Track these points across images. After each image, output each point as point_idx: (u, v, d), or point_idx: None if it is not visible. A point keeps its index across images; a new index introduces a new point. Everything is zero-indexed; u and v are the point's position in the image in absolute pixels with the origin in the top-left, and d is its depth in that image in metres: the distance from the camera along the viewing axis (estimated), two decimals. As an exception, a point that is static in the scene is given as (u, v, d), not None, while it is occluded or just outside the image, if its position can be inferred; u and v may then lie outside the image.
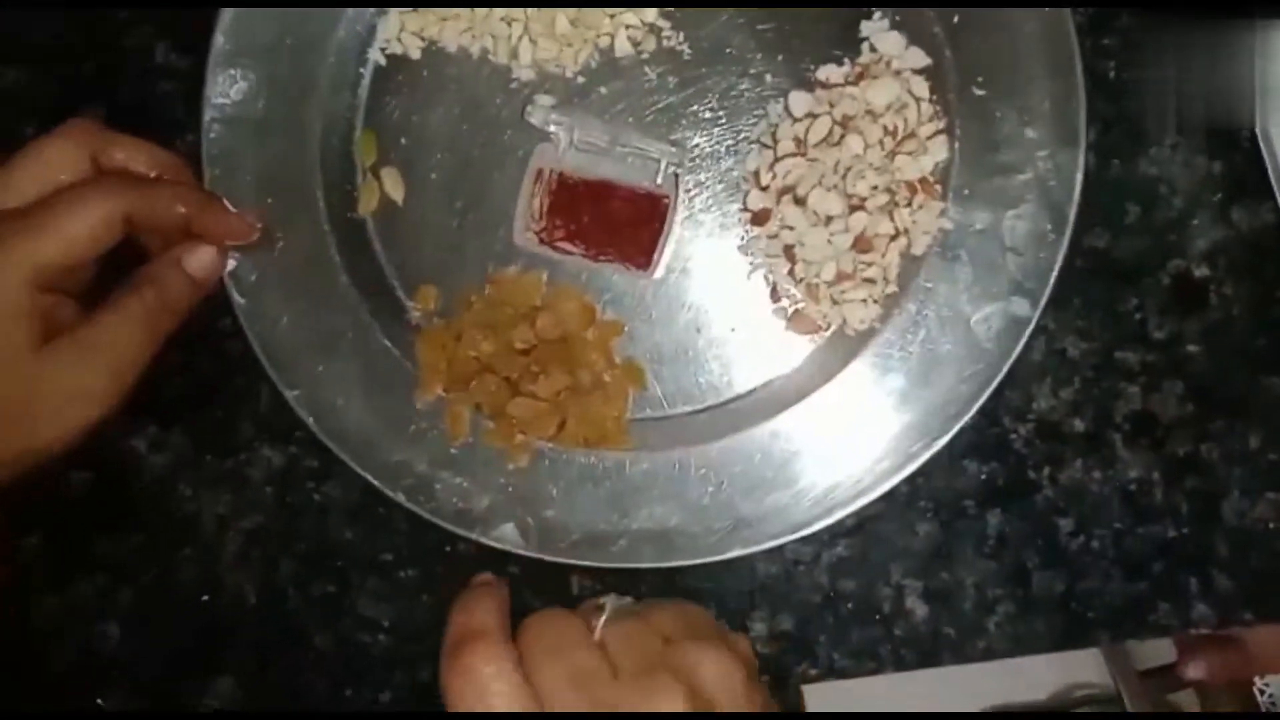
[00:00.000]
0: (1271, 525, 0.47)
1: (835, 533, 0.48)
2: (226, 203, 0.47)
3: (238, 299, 0.48)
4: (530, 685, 0.33)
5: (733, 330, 0.49)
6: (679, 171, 0.48)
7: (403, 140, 0.50)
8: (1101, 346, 0.48)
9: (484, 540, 0.47)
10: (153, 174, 0.45)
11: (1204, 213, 0.47)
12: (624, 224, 0.48)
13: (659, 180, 0.48)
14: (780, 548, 0.47)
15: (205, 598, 0.52)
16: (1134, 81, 0.48)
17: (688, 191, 0.49)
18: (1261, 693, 0.83)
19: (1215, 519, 0.47)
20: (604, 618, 0.35)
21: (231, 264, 0.48)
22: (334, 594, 0.52)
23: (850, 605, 0.49)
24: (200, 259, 0.46)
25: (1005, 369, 0.45)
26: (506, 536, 0.47)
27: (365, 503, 0.51)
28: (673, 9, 0.48)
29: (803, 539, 0.47)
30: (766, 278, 0.48)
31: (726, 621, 0.49)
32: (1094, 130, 0.46)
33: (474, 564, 0.50)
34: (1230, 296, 0.47)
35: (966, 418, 0.46)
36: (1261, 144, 0.47)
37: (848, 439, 0.46)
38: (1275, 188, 0.47)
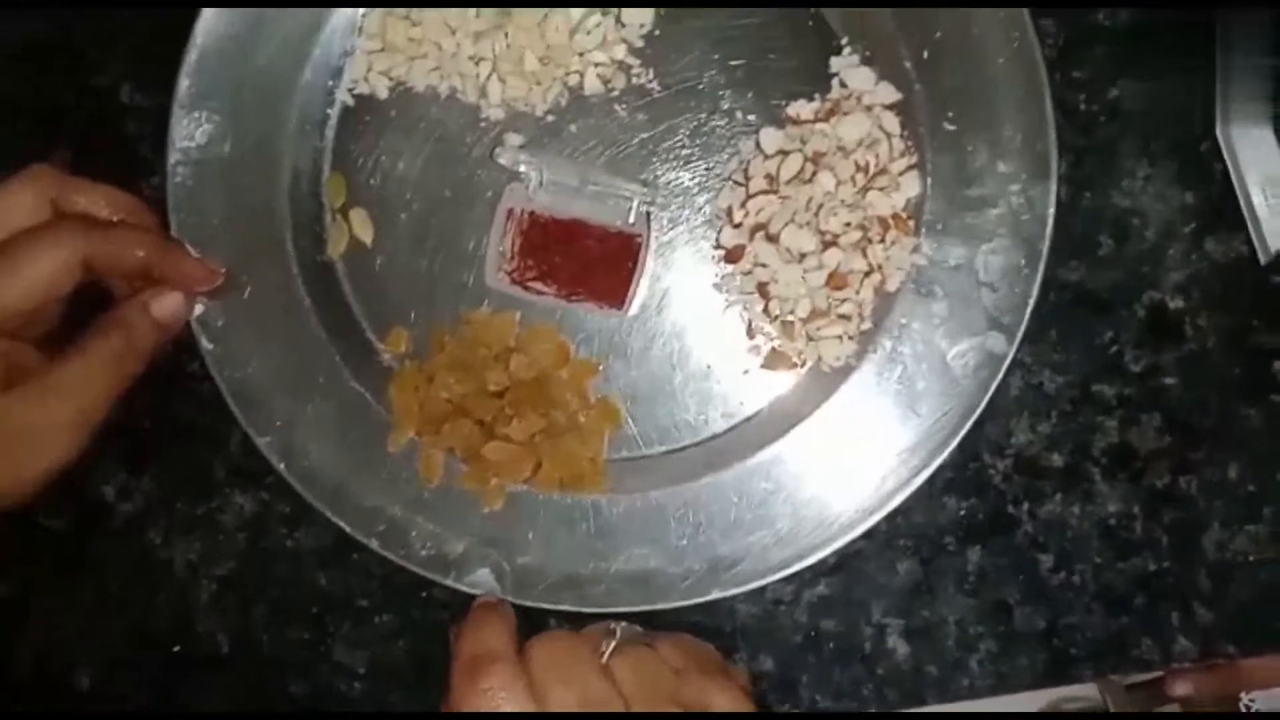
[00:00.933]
0: (1252, 558, 0.47)
1: (816, 571, 0.48)
2: (189, 247, 0.47)
3: (206, 344, 0.47)
4: (543, 710, 0.33)
5: (708, 368, 0.48)
6: (651, 210, 0.48)
7: (371, 181, 0.49)
8: (1078, 380, 0.47)
9: (459, 586, 0.47)
10: (114, 218, 0.45)
11: (1177, 244, 0.47)
12: (597, 263, 0.48)
13: (631, 219, 0.48)
14: (761, 587, 0.46)
15: (177, 648, 0.51)
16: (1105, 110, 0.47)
17: (661, 229, 0.48)
18: (1247, 709, 0.83)
19: (1196, 552, 0.47)
20: (613, 644, 0.35)
21: (199, 309, 0.47)
22: (309, 640, 0.51)
23: (832, 644, 0.49)
24: (166, 304, 0.45)
25: (983, 404, 0.45)
26: (482, 581, 0.47)
27: (339, 548, 0.50)
28: (642, 46, 0.48)
29: (784, 577, 0.46)
30: (741, 315, 0.48)
31: (708, 662, 0.49)
32: (1065, 162, 0.46)
33: (450, 608, 0.50)
34: (1206, 328, 0.47)
35: (945, 454, 0.45)
36: (1222, 146, 0.46)
37: (826, 477, 0.46)
38: (1237, 188, 0.46)
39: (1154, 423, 0.47)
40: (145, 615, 0.51)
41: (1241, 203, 0.46)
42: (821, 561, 0.46)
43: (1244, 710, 0.84)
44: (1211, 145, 0.47)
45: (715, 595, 0.46)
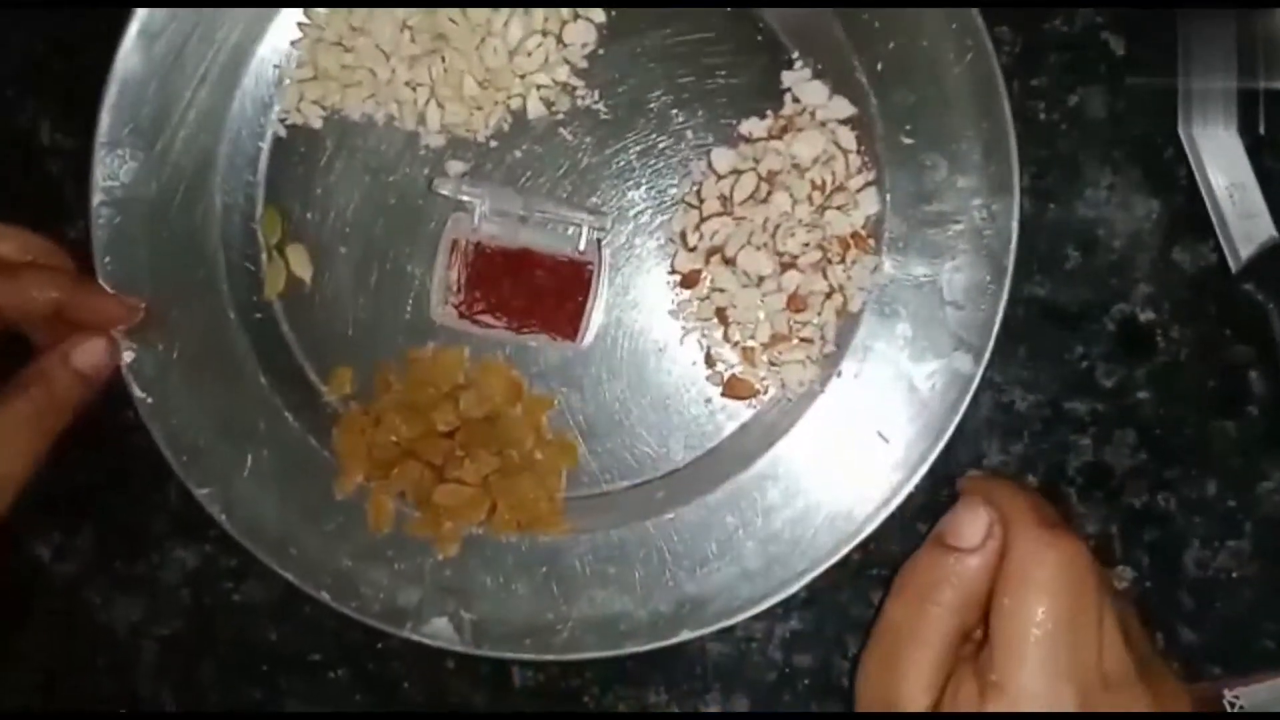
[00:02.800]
0: (1235, 574, 0.45)
1: (787, 606, 0.46)
2: (104, 285, 0.45)
3: (138, 393, 0.45)
4: None
5: (668, 398, 0.46)
6: (602, 236, 0.46)
7: (308, 216, 0.47)
8: (1049, 398, 0.46)
9: (415, 637, 0.45)
10: (25, 260, 0.43)
11: (1145, 255, 0.46)
12: (548, 294, 0.46)
13: (582, 246, 0.46)
14: (732, 626, 0.44)
15: (123, 711, 0.49)
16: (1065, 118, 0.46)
17: (613, 256, 0.46)
18: (1231, 705, 0.82)
19: (1177, 570, 0.46)
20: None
21: (129, 356, 0.45)
22: (261, 700, 0.49)
23: (807, 681, 0.47)
24: (88, 353, 0.43)
25: (953, 426, 0.43)
26: (439, 632, 0.45)
27: (288, 601, 0.48)
28: (585, 67, 0.46)
29: (755, 615, 0.44)
30: (700, 342, 0.46)
31: (677, 705, 0.47)
32: (1028, 174, 0.44)
33: (407, 659, 0.48)
34: (1178, 339, 0.46)
35: (916, 479, 0.44)
36: (1185, 146, 0.45)
37: (794, 508, 0.44)
38: (1204, 194, 0.45)
39: (1128, 439, 0.46)
40: (87, 680, 0.49)
41: (1210, 209, 0.45)
42: (793, 595, 0.44)
43: (1228, 709, 0.83)
44: (1175, 151, 0.45)
45: (685, 636, 0.44)
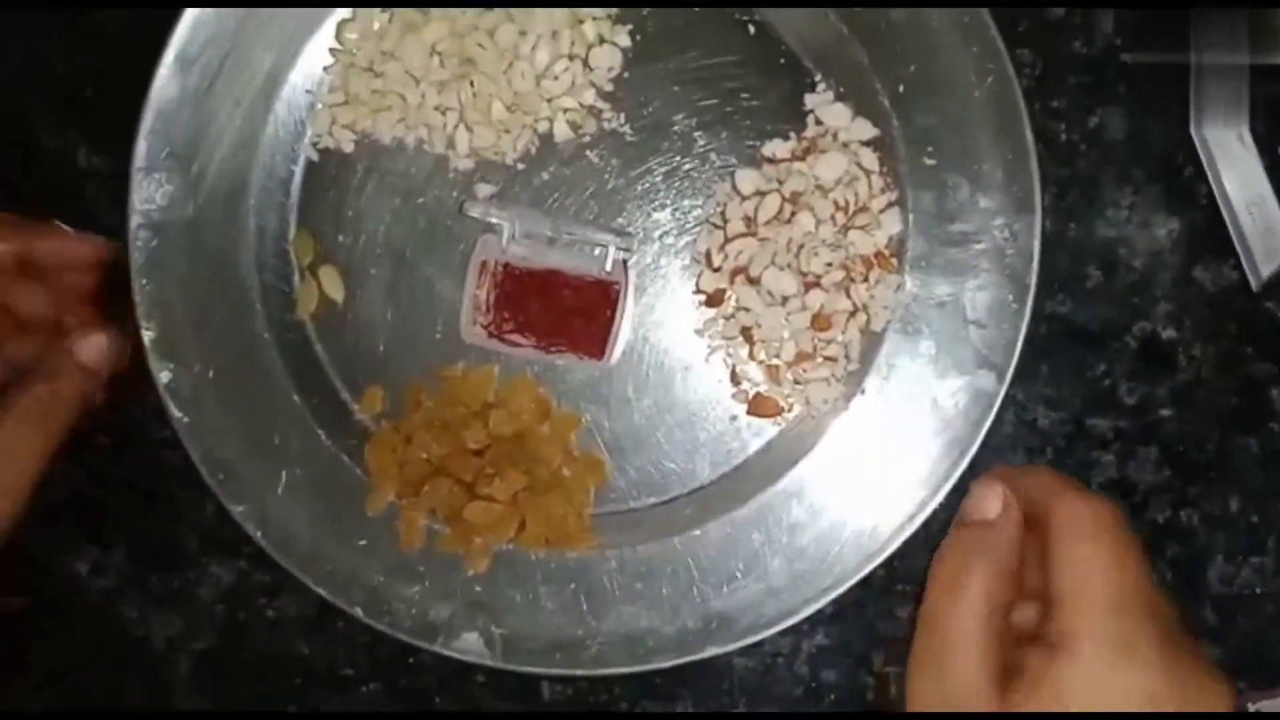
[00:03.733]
0: (1258, 590, 0.46)
1: (813, 621, 0.47)
2: (61, 225, 0.45)
3: (175, 413, 0.46)
4: None
5: (694, 416, 0.47)
6: (628, 256, 0.47)
7: (340, 238, 0.48)
8: (1072, 415, 0.46)
9: (446, 652, 0.45)
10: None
11: (1166, 273, 0.46)
12: (575, 313, 0.47)
13: (608, 266, 0.47)
14: (759, 641, 0.45)
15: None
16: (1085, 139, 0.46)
17: (639, 276, 0.47)
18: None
19: (1201, 586, 0.46)
20: None
21: (166, 376, 0.46)
22: (294, 714, 0.49)
23: (833, 696, 0.47)
24: (91, 345, 0.43)
25: (977, 444, 0.44)
26: (470, 647, 0.45)
27: (321, 617, 0.49)
28: (611, 90, 0.47)
29: (781, 630, 0.45)
30: (725, 360, 0.47)
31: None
32: (1049, 194, 0.45)
33: (438, 673, 0.48)
34: (1199, 357, 0.46)
35: (941, 496, 0.44)
36: (1198, 147, 0.45)
37: (820, 525, 0.45)
38: (1220, 205, 0.45)
39: (1151, 456, 0.46)
40: (123, 694, 0.50)
41: (1230, 227, 0.45)
42: (819, 611, 0.44)
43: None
44: (1195, 170, 0.46)
45: (711, 652, 0.44)
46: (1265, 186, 0.45)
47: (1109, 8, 0.47)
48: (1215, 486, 0.46)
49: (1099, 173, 0.46)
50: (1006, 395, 0.44)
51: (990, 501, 0.36)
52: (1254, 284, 0.45)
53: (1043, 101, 0.46)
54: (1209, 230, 0.46)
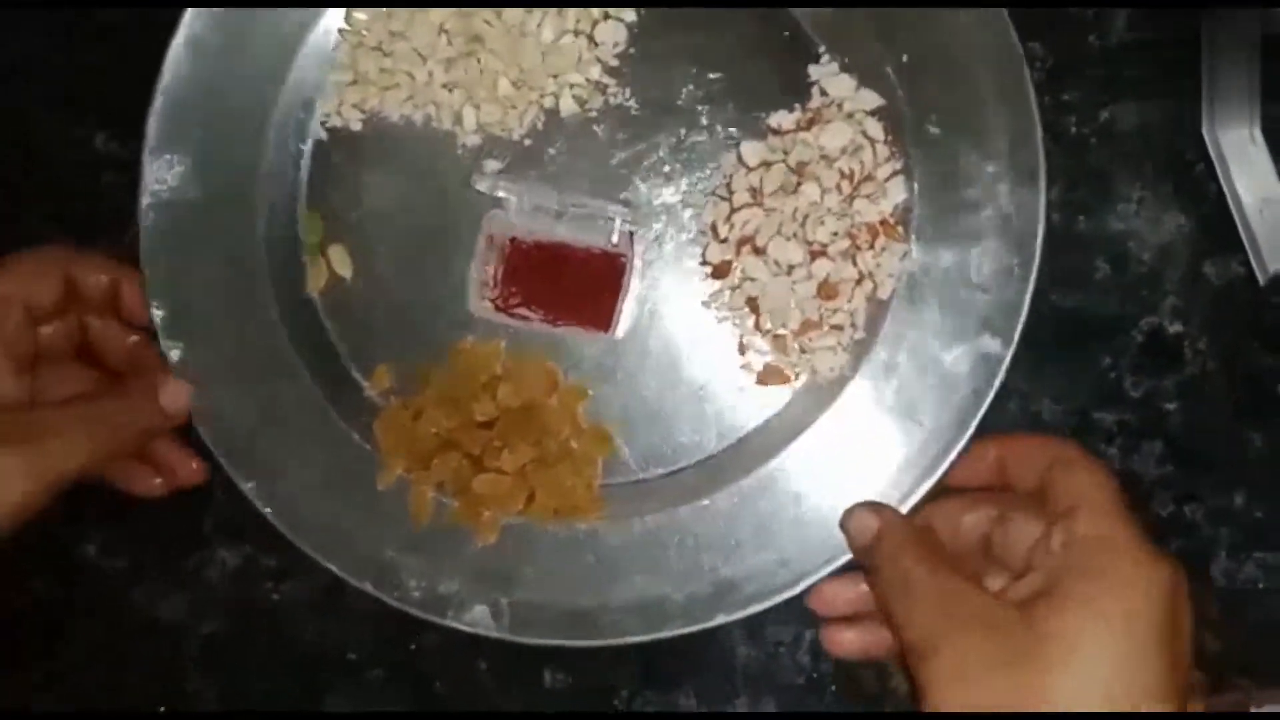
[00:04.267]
0: (1262, 585, 0.45)
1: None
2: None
3: (184, 389, 0.46)
4: None
5: (701, 387, 0.47)
6: (634, 229, 0.47)
7: (349, 216, 0.48)
8: (1077, 408, 0.46)
9: (456, 625, 0.45)
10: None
11: (1174, 268, 0.46)
12: (582, 286, 0.47)
13: (614, 239, 0.47)
14: (760, 629, 0.44)
15: (162, 709, 0.50)
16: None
17: (645, 248, 0.48)
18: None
19: (1204, 581, 0.46)
20: None
21: (175, 355, 0.46)
22: (300, 697, 0.49)
23: (834, 686, 0.47)
24: (175, 389, 0.45)
25: (982, 411, 0.44)
26: (479, 620, 0.45)
27: (327, 600, 0.49)
28: (617, 65, 0.47)
29: (783, 619, 0.45)
30: (732, 331, 0.47)
31: (706, 710, 0.47)
32: (1058, 187, 0.45)
33: (444, 656, 0.48)
34: (1205, 352, 0.46)
35: (946, 464, 0.44)
36: (1209, 145, 0.46)
37: (828, 493, 0.45)
38: (1230, 202, 0.46)
39: (1156, 450, 0.46)
40: (130, 675, 0.49)
41: (1239, 224, 0.45)
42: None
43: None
44: (1205, 167, 0.46)
45: (720, 620, 0.44)
46: (1276, 186, 0.45)
47: (1122, 8, 0.47)
48: (1220, 481, 0.46)
49: (1109, 167, 0.46)
50: (1012, 386, 0.44)
51: (866, 521, 0.40)
52: (1261, 280, 0.45)
53: (1054, 95, 0.46)
54: (1218, 226, 0.46)
